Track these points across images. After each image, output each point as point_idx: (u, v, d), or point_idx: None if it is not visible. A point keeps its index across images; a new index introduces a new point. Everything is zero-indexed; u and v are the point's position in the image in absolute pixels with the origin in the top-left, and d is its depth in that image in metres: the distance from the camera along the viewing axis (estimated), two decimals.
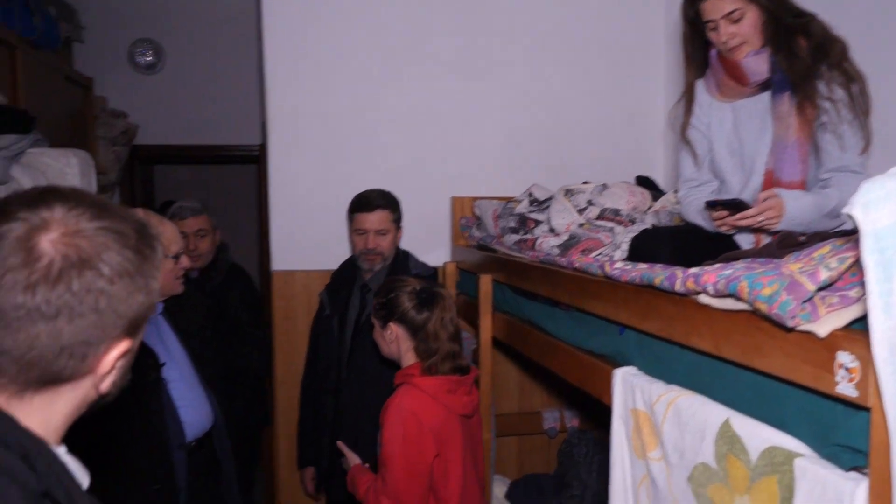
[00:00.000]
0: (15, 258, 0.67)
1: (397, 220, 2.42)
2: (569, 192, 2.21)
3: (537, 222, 2.22)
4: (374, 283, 2.42)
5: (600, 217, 2.07)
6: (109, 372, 0.77)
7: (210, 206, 3.03)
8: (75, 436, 0.78)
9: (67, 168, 2.41)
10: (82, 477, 0.79)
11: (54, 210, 0.70)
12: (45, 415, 0.74)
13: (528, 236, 2.14)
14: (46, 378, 0.72)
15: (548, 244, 1.98)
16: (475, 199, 2.78)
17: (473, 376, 1.98)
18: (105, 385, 0.78)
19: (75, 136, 3.98)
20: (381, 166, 2.87)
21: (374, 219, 2.36)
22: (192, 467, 2.06)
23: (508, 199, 2.51)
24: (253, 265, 4.84)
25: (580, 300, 1.65)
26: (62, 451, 0.78)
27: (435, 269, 2.54)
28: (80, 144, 4.03)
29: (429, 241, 2.92)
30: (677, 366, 1.31)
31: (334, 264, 2.62)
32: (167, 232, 2.04)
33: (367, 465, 2.03)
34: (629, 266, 1.44)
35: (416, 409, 1.81)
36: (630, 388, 1.41)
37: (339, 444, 2.12)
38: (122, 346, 0.77)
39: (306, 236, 2.82)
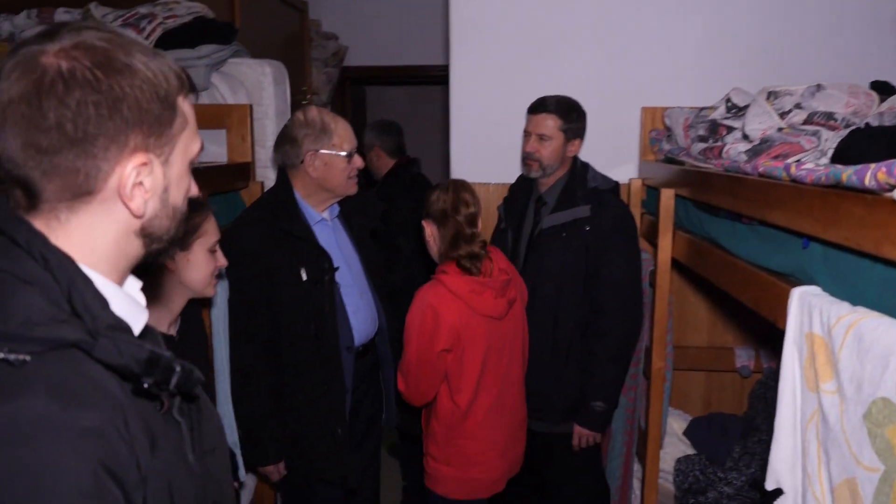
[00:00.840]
0: (17, 71, 0.70)
1: (569, 130, 2.24)
2: (772, 95, 1.90)
3: (730, 129, 1.95)
4: (549, 196, 2.31)
5: (807, 122, 1.76)
6: (135, 188, 0.77)
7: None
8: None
9: (262, 77, 2.57)
10: (134, 315, 0.82)
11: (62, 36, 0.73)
12: (86, 239, 0.77)
13: (717, 144, 1.89)
14: (70, 191, 0.75)
15: (735, 150, 1.73)
16: (667, 109, 2.52)
17: (503, 280, 2.00)
18: (136, 205, 0.77)
19: (291, 57, 4.25)
20: (565, 78, 2.71)
21: (538, 121, 2.23)
22: (358, 370, 2.15)
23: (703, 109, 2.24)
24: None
25: (762, 210, 1.41)
26: (129, 289, 0.85)
27: (616, 184, 2.35)
28: (294, 65, 4.32)
29: (616, 155, 2.73)
30: (866, 284, 1.07)
31: (514, 178, 2.54)
32: (340, 129, 2.08)
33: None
34: (818, 166, 1.20)
35: (436, 304, 1.91)
36: (807, 309, 1.19)
37: None
38: (137, 158, 0.76)
39: (486, 148, 2.77)
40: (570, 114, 2.24)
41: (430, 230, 2.02)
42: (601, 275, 2.19)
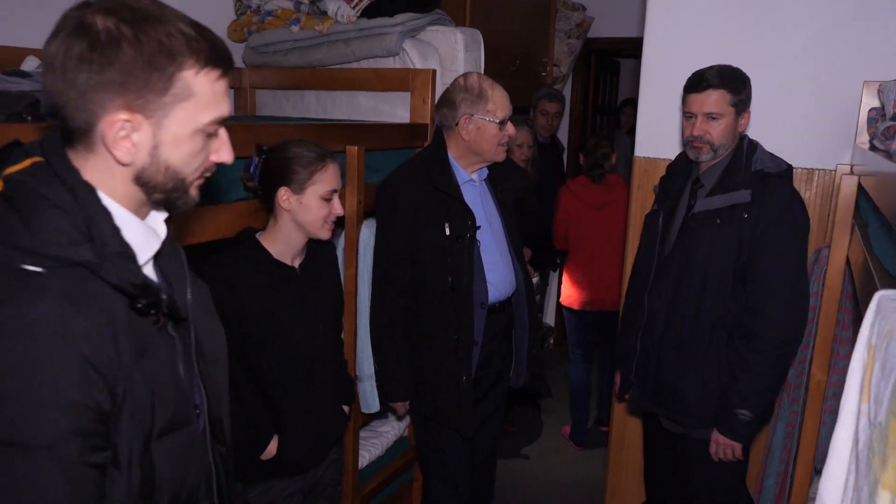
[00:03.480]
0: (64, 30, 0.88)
1: (739, 104, 1.99)
2: None
3: None
4: (707, 178, 2.08)
5: None
6: (119, 140, 0.89)
7: None
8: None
9: (455, 44, 2.70)
10: (148, 243, 0.98)
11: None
12: (105, 177, 0.93)
13: (894, 124, 1.57)
14: (83, 134, 0.90)
15: None
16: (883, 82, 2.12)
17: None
18: (120, 155, 0.90)
19: (534, 28, 4.33)
20: (769, 49, 2.40)
21: (704, 100, 1.98)
22: (490, 326, 2.22)
23: None
24: None
25: None
26: (151, 221, 1.01)
27: (788, 167, 2.02)
28: (538, 36, 4.41)
29: (832, 137, 2.38)
30: None
31: None
32: (496, 97, 2.13)
33: None
34: None
35: (563, 191, 3.64)
36: (881, 315, 0.99)
37: None
38: (121, 115, 0.88)
39: (676, 122, 2.59)
40: (737, 85, 1.98)
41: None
42: (756, 270, 1.94)
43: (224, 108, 0.98)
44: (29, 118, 1.44)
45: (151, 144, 0.92)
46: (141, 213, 0.99)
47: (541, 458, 3.74)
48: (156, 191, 0.96)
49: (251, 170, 1.79)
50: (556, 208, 3.65)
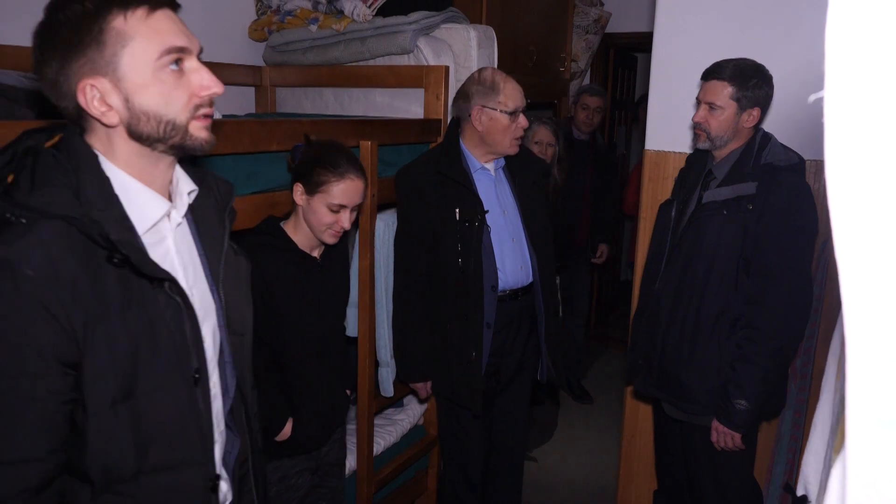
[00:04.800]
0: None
1: (743, 99, 2.01)
2: None
3: None
4: (719, 170, 2.12)
5: None
6: (95, 105, 0.98)
7: None
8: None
9: (468, 41, 2.76)
10: (154, 206, 1.06)
11: None
12: (107, 146, 1.03)
13: None
14: (74, 118, 1.02)
15: None
16: None
17: None
18: (105, 119, 0.99)
19: (552, 25, 4.38)
20: (779, 41, 2.42)
21: (709, 89, 2.04)
22: (504, 312, 2.29)
23: None
24: None
25: None
26: (183, 185, 1.12)
27: (800, 160, 2.04)
28: (555, 33, 4.45)
29: None
30: None
31: None
32: (508, 89, 2.21)
33: None
34: None
35: None
36: None
37: None
38: (84, 81, 0.97)
39: (686, 116, 2.62)
40: (746, 80, 2.01)
41: None
42: (759, 262, 1.98)
43: (171, 39, 1.00)
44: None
45: (122, 98, 0.99)
46: (156, 175, 1.08)
47: (553, 448, 3.80)
48: (154, 140, 1.03)
49: (294, 155, 1.88)
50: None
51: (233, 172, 1.84)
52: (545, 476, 3.50)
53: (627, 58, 6.13)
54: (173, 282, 1.06)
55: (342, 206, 1.81)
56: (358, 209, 1.89)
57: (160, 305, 1.05)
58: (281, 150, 1.94)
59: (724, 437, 2.06)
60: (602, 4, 5.06)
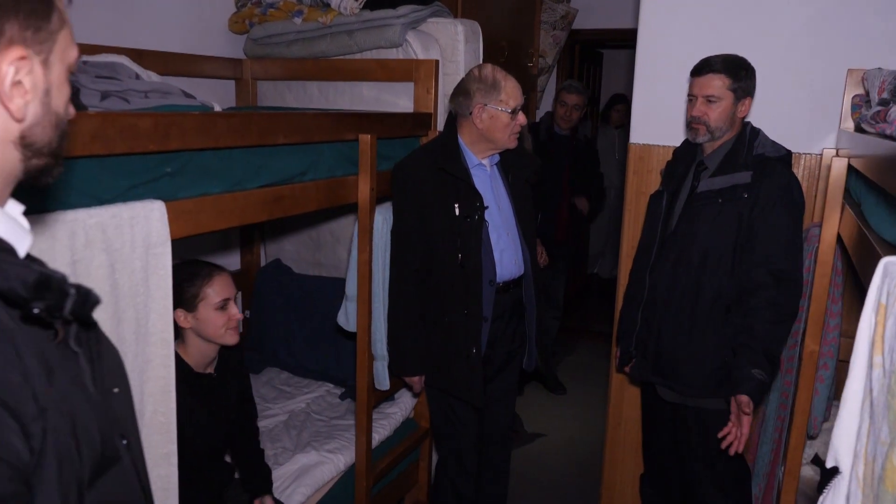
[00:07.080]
0: None
1: (738, 90, 2.10)
2: None
3: None
4: (711, 161, 2.20)
5: None
6: (14, 88, 0.68)
7: None
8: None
9: (455, 35, 2.78)
10: (18, 237, 0.72)
11: None
12: None
13: (883, 108, 1.69)
14: None
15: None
16: (868, 70, 2.24)
17: None
18: (15, 107, 0.69)
19: (520, 21, 4.42)
20: (758, 38, 2.52)
21: (704, 83, 2.12)
22: (498, 304, 2.32)
23: None
24: None
25: None
26: (11, 210, 0.74)
27: (788, 152, 2.16)
28: (522, 29, 4.49)
29: (816, 123, 2.50)
30: None
31: None
32: (508, 87, 2.23)
33: None
34: None
35: None
36: (888, 277, 1.09)
37: None
38: (14, 52, 0.67)
39: (669, 110, 2.70)
40: (738, 72, 2.10)
41: None
42: (754, 245, 2.07)
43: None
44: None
45: (44, 89, 0.72)
46: (2, 201, 0.73)
47: (538, 432, 3.86)
48: (40, 154, 0.73)
49: None
50: None
51: (241, 166, 1.81)
52: (528, 455, 3.56)
53: (592, 54, 6.24)
54: None
55: (226, 300, 1.89)
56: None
57: (67, 362, 0.77)
58: (287, 142, 1.92)
59: (747, 405, 1.98)
60: (569, 1, 5.14)
